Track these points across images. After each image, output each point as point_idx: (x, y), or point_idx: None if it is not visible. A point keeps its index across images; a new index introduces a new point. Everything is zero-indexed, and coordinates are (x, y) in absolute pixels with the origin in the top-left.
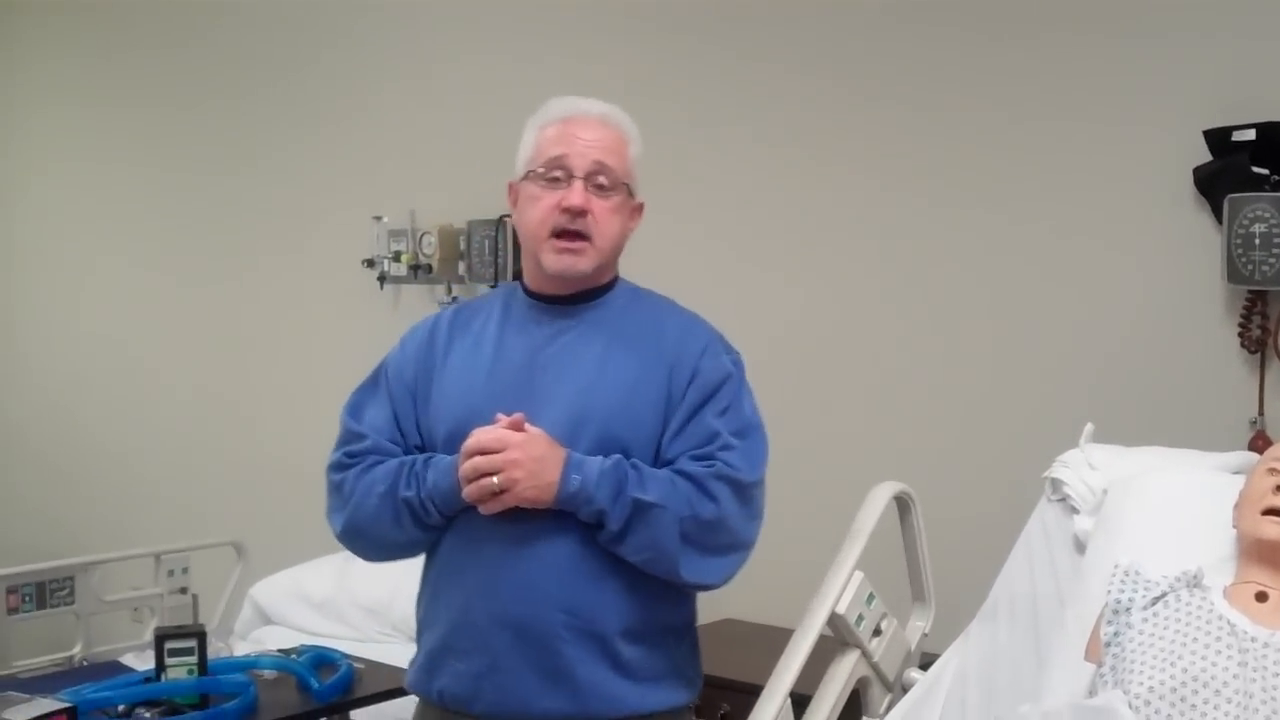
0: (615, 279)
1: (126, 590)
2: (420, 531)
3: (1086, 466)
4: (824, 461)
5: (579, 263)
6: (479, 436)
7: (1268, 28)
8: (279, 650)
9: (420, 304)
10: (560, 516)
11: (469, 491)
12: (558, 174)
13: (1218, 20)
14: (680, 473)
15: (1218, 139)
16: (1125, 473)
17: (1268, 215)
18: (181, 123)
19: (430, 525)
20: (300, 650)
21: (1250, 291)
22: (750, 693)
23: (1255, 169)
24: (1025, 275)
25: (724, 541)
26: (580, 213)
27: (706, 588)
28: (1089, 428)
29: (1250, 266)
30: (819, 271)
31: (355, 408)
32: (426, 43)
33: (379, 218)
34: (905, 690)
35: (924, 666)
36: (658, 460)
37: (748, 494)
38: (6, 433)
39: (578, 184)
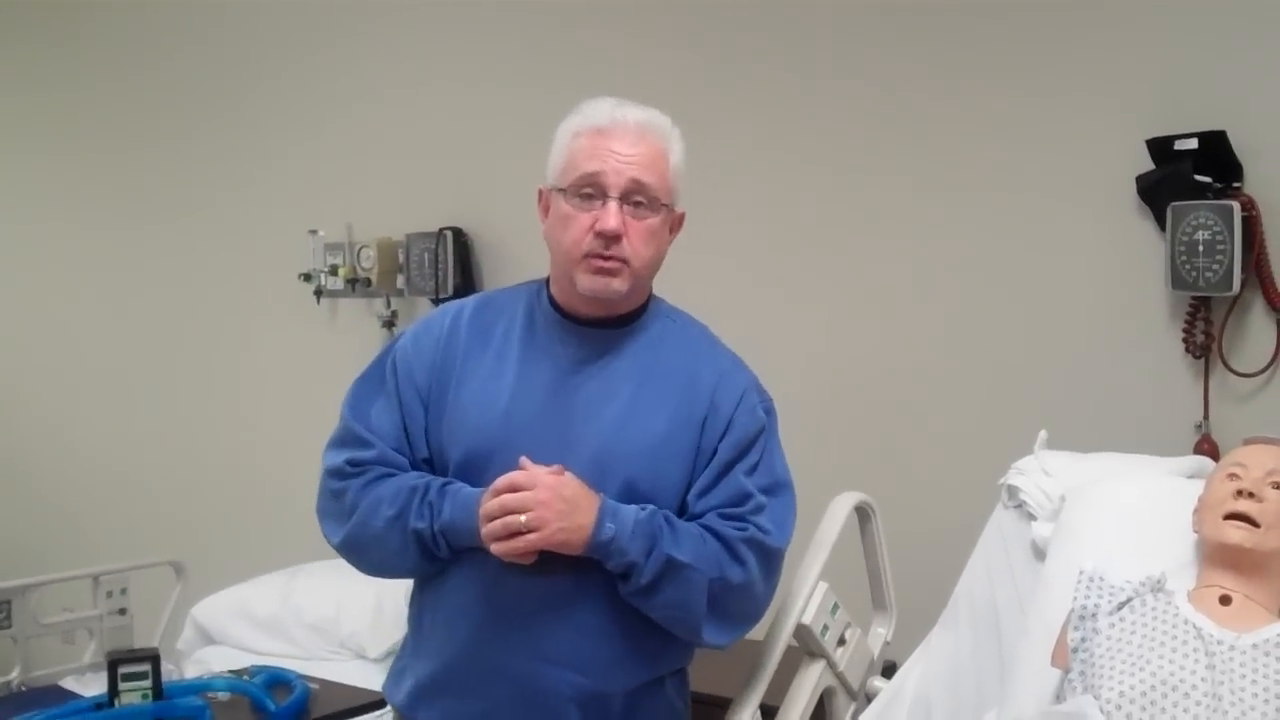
0: (649, 300)
1: (58, 612)
2: (426, 563)
3: (1042, 473)
4: None
5: (613, 283)
6: (511, 476)
7: (1210, 38)
8: (230, 671)
9: (358, 317)
10: (582, 576)
11: (491, 529)
12: (590, 191)
13: (1160, 30)
14: (710, 531)
15: (1160, 148)
16: (1081, 479)
17: (1210, 223)
18: (117, 136)
19: (437, 559)
20: (252, 671)
21: (1194, 298)
22: (716, 704)
23: (1198, 177)
24: (973, 283)
25: (745, 609)
26: (615, 237)
27: (715, 648)
28: (1042, 434)
29: (1194, 273)
30: (767, 281)
31: (357, 403)
32: (365, 56)
33: (314, 231)
34: (869, 699)
35: (886, 674)
36: (682, 512)
37: (774, 563)
38: None
39: (613, 205)
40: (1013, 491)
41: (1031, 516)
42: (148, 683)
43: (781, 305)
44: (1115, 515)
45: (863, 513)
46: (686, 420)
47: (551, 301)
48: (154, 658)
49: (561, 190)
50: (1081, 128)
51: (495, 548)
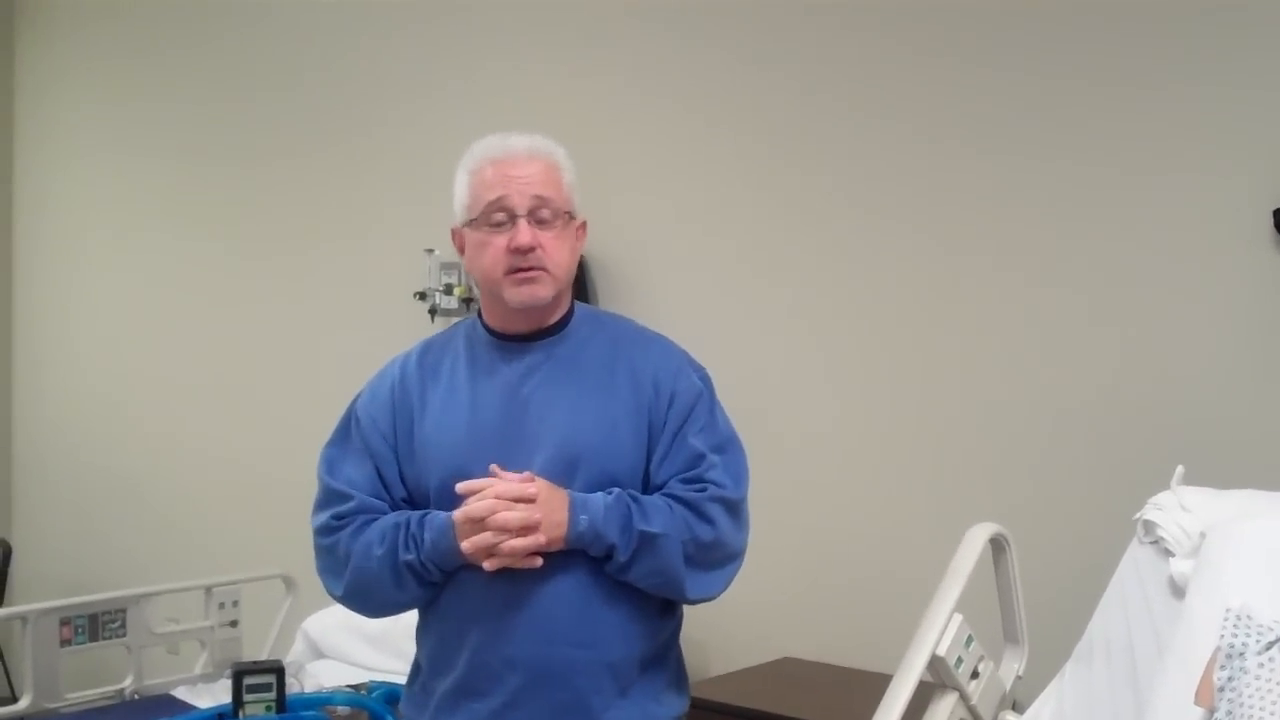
0: (572, 307)
1: (166, 623)
2: (424, 590)
3: (1180, 509)
4: (887, 503)
5: (539, 290)
6: (492, 504)
7: None
8: (349, 686)
9: None
10: (566, 556)
11: (474, 544)
12: (500, 216)
13: None
14: (675, 498)
15: None
16: (1220, 516)
17: None
18: (238, 152)
19: (433, 583)
20: (370, 686)
21: None
22: None
23: None
24: (1108, 316)
25: (720, 556)
26: (529, 250)
27: (708, 600)
28: (1179, 470)
29: None
30: (914, 320)
31: (331, 464)
32: (483, 74)
33: (431, 250)
34: None
35: (1017, 709)
36: (647, 486)
37: (738, 510)
38: (55, 462)
39: (522, 223)
40: (1149, 527)
41: (1169, 553)
42: (271, 695)
43: (923, 339)
44: (1261, 553)
45: (997, 544)
46: (633, 403)
47: (486, 329)
48: (278, 670)
49: (473, 221)
50: (1217, 156)
51: (494, 562)
